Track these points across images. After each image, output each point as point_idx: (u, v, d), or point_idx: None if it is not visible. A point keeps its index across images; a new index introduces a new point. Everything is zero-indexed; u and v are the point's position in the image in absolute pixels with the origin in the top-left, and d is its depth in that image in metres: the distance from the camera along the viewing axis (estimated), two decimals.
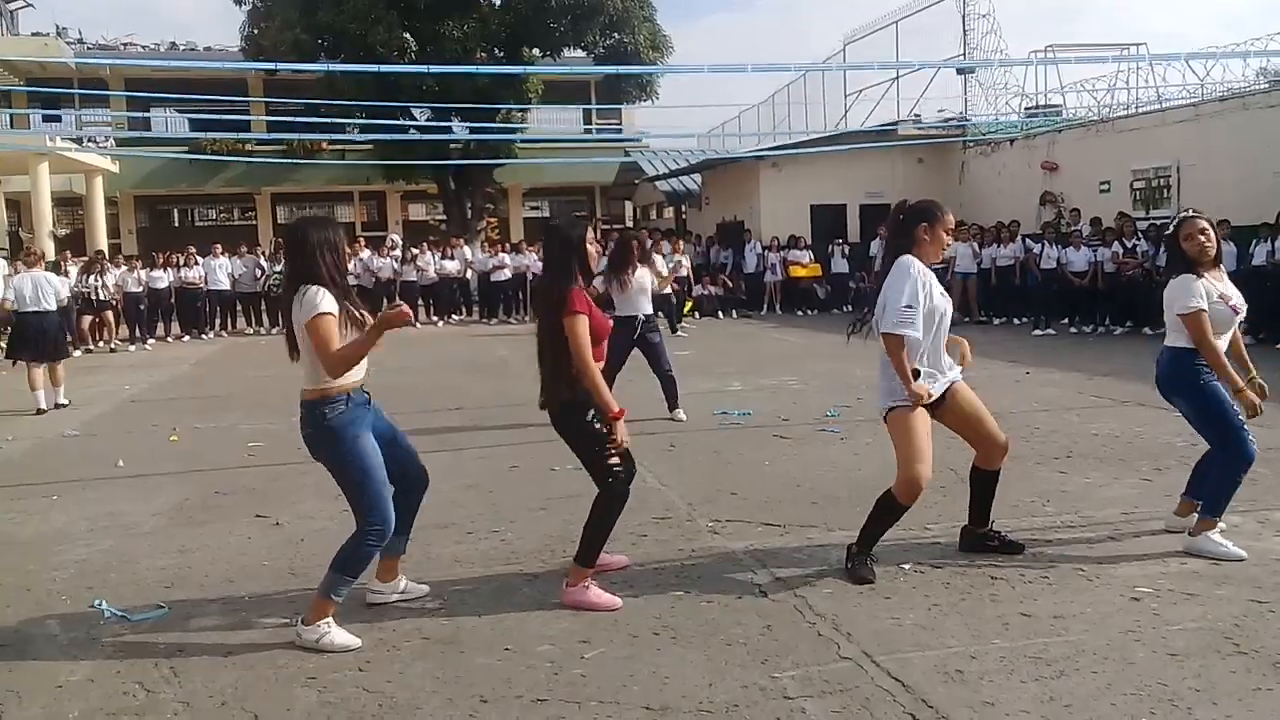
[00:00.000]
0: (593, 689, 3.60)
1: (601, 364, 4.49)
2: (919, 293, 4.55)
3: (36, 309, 10.86)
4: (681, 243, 21.56)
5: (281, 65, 22.42)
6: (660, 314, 17.96)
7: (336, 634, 4.02)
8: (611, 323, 4.79)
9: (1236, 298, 4.89)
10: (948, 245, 4.84)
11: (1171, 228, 5.02)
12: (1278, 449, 6.88)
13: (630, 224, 36.19)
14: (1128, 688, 3.46)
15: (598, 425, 4.35)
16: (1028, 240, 18.11)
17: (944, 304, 4.72)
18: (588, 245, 4.48)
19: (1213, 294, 4.80)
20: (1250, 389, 4.80)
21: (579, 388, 4.35)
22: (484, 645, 4.02)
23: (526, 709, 3.47)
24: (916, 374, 4.57)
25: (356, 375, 4.10)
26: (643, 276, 8.84)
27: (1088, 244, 16.58)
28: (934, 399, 4.62)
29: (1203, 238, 4.82)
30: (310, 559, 5.17)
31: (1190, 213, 4.98)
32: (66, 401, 11.03)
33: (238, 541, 5.61)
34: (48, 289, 10.99)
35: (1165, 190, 17.15)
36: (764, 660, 3.80)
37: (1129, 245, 15.89)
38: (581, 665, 3.80)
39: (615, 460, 4.40)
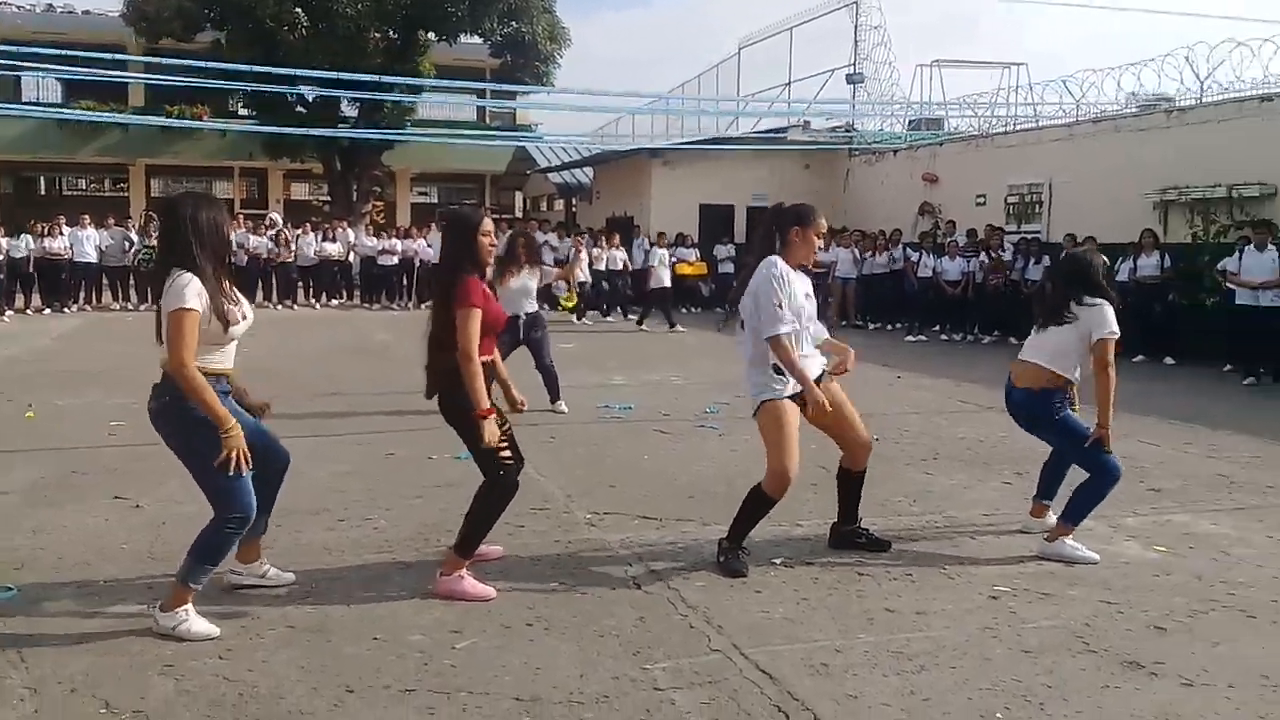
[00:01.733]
0: (463, 679, 3.57)
1: (488, 357, 4.44)
2: (781, 291, 4.66)
3: None
4: (618, 237, 21.19)
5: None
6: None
7: (195, 621, 3.89)
8: (506, 316, 4.73)
9: None
10: (817, 249, 4.92)
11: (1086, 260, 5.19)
12: (1129, 458, 7.22)
13: (520, 215, 35.94)
14: (984, 683, 3.58)
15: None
16: (907, 249, 18.62)
17: (808, 305, 4.82)
18: (482, 236, 4.43)
19: None
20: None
21: (447, 381, 4.32)
22: (352, 634, 3.95)
23: (394, 699, 3.42)
24: (779, 370, 4.68)
25: (224, 363, 3.96)
26: (526, 277, 8.72)
27: (963, 254, 17.13)
28: (796, 396, 4.70)
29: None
30: (172, 543, 4.97)
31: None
32: None
33: (95, 523, 5.39)
34: None
35: (1038, 206, 17.80)
36: (636, 651, 3.82)
37: (994, 256, 16.54)
38: (452, 655, 3.77)
39: (506, 452, 4.37)
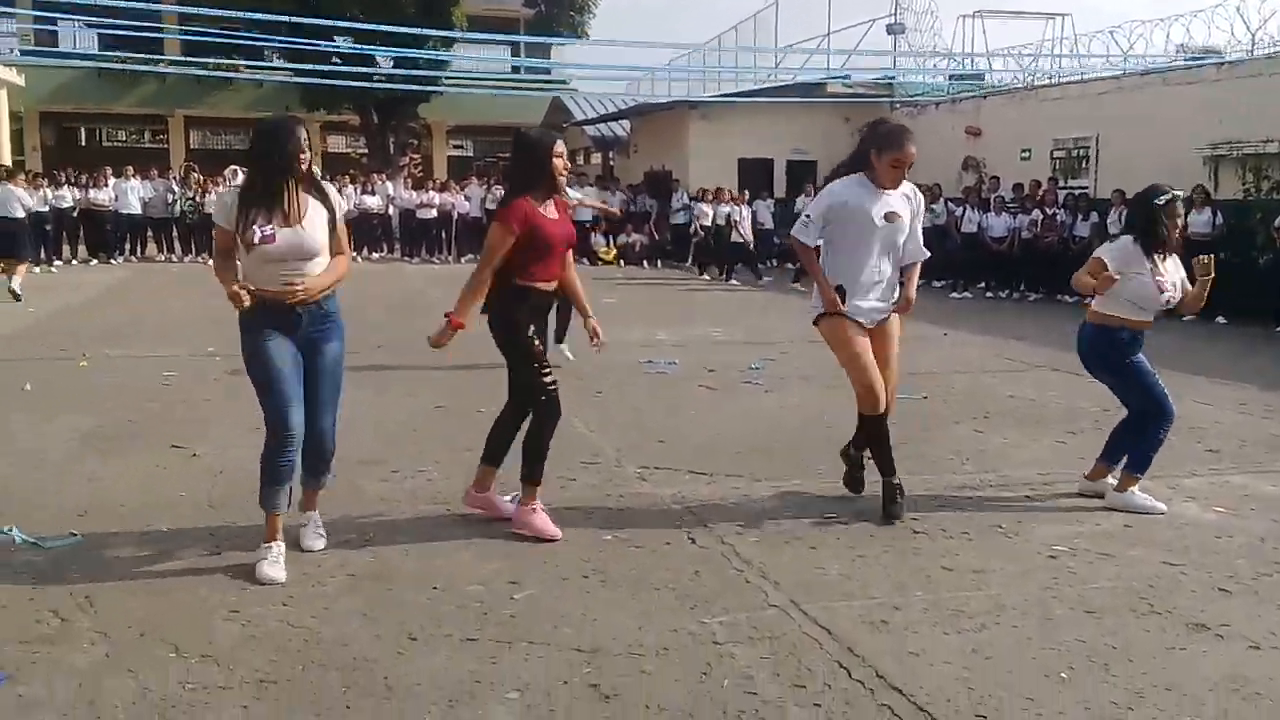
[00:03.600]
0: (523, 629, 3.59)
1: (551, 283, 4.51)
2: (823, 209, 4.80)
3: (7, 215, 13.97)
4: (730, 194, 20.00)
5: None
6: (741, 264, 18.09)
7: (266, 565, 3.95)
8: (574, 234, 4.73)
9: (1180, 286, 5.06)
10: (897, 178, 4.81)
11: (1161, 200, 4.99)
12: (1184, 418, 7.12)
13: None
14: (1047, 643, 3.56)
15: (528, 337, 4.44)
16: (949, 204, 18.37)
17: (886, 227, 4.77)
18: (555, 158, 4.43)
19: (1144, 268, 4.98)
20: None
21: (498, 300, 4.42)
22: (412, 583, 3.98)
23: (457, 648, 3.44)
24: (841, 291, 4.79)
25: (263, 283, 3.97)
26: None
27: (1008, 210, 16.88)
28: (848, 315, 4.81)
29: (1178, 220, 5.03)
30: (229, 490, 5.05)
31: (1178, 193, 5.05)
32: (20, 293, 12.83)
33: (154, 471, 5.45)
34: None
35: (1084, 161, 17.49)
36: (693, 606, 3.82)
37: (1048, 213, 16.19)
38: (511, 606, 3.78)
39: (546, 377, 4.46)
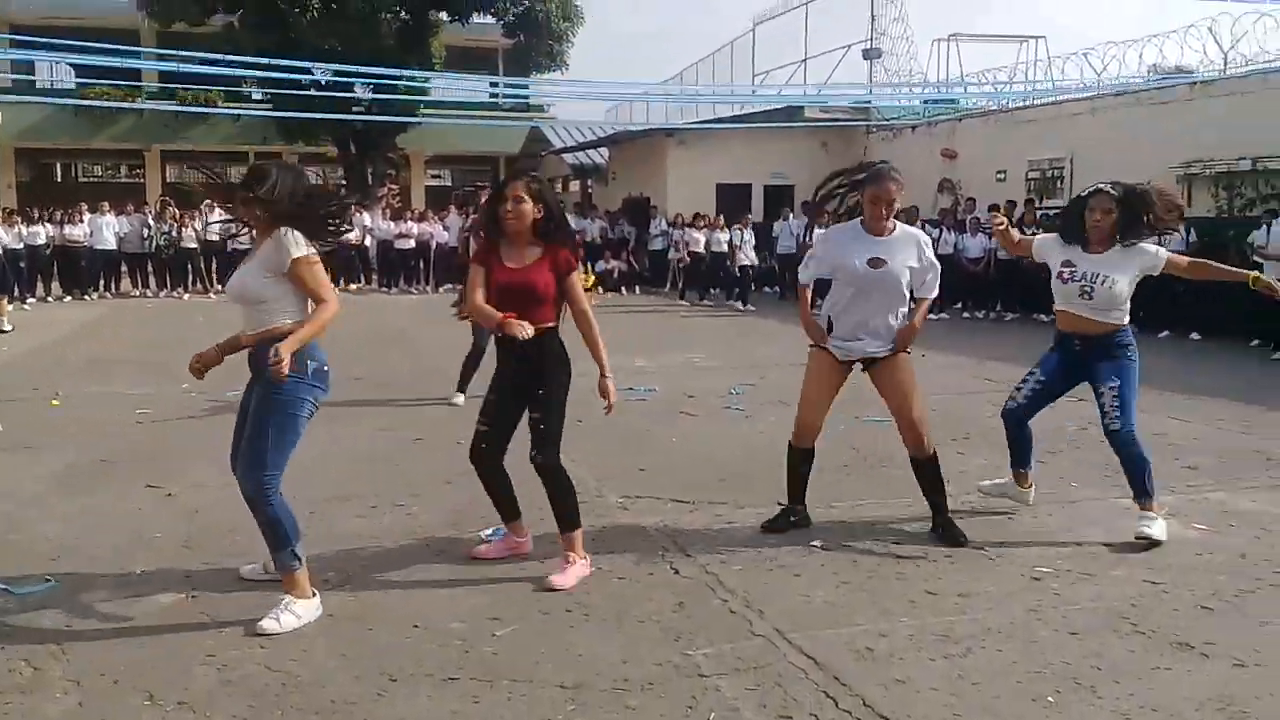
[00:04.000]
0: (505, 667, 3.54)
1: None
2: (816, 253, 5.08)
3: None
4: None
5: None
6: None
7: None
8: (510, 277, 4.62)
9: (1099, 279, 4.98)
10: (878, 215, 4.87)
11: (1085, 193, 5.09)
12: (1162, 435, 7.15)
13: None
14: (1032, 666, 3.54)
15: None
16: (926, 225, 18.45)
17: (868, 271, 4.83)
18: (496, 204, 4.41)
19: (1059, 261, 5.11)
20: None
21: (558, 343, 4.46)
22: (391, 622, 3.93)
23: (437, 688, 3.40)
24: (828, 323, 4.97)
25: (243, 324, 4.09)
26: None
27: (984, 230, 16.97)
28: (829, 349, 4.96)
29: (1103, 216, 4.96)
30: (205, 531, 4.99)
31: (1106, 188, 5.02)
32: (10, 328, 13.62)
33: (128, 512, 5.38)
34: None
35: (1059, 181, 17.64)
36: (677, 637, 3.79)
37: (1028, 233, 16.23)
38: (493, 643, 3.74)
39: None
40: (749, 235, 19.04)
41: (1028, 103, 19.46)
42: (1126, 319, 4.98)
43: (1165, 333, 13.37)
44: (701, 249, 19.72)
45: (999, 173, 18.94)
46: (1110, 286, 4.92)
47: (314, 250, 3.95)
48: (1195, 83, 15.58)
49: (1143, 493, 4.92)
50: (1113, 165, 15.95)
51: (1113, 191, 4.96)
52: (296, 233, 3.91)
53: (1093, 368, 4.97)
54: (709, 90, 26.58)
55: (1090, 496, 5.67)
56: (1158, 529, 4.81)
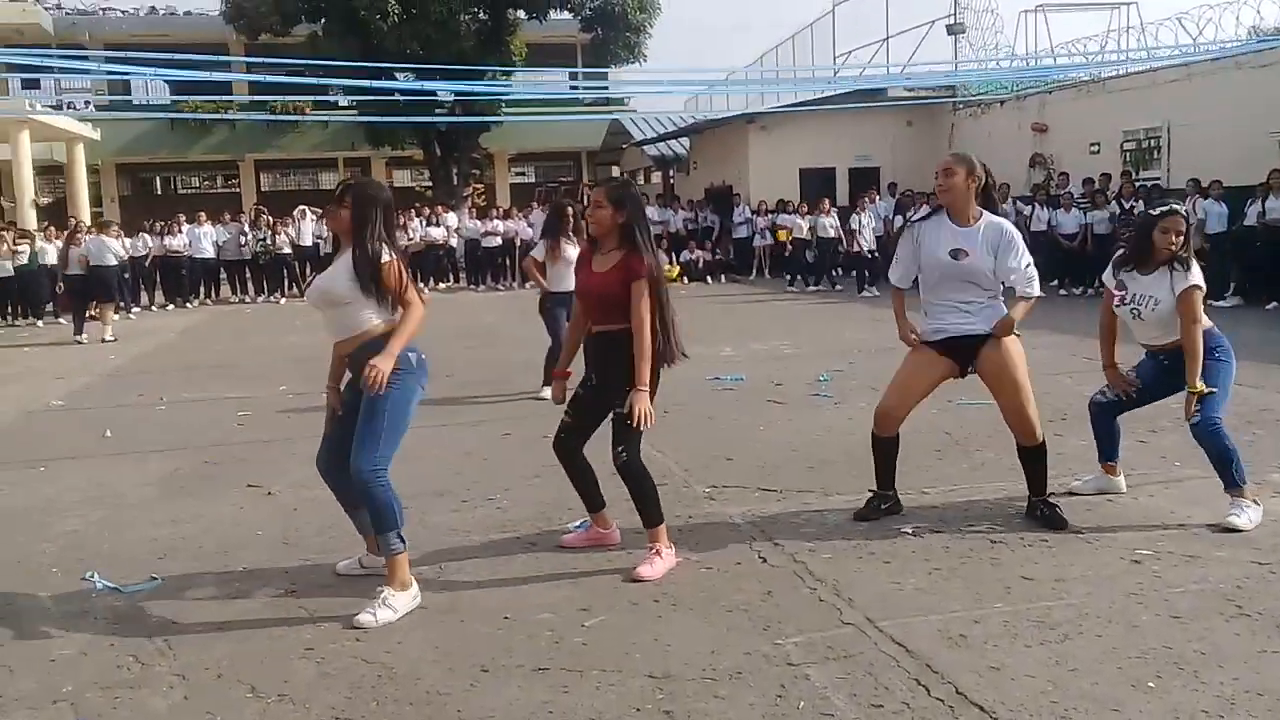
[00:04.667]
0: (594, 658, 3.57)
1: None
2: (904, 249, 4.99)
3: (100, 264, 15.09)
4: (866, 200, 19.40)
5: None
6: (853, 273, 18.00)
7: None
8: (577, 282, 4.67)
9: (1140, 297, 4.89)
10: (941, 192, 4.86)
11: (1156, 213, 4.94)
12: (1271, 410, 6.89)
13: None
14: (1133, 651, 3.44)
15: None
16: (1018, 203, 18.04)
17: (938, 265, 4.79)
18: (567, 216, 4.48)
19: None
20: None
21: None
22: (483, 614, 3.98)
23: (528, 678, 3.43)
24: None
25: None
26: (571, 249, 8.00)
27: (1078, 206, 16.54)
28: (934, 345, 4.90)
29: (1176, 238, 4.79)
30: (304, 528, 5.13)
31: (1181, 209, 4.91)
32: (113, 338, 14.29)
33: (230, 512, 5.55)
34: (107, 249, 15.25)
35: (1155, 151, 17.09)
36: (766, 627, 3.77)
37: (1127, 206, 15.80)
38: (582, 634, 3.77)
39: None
40: (869, 219, 18.36)
41: (1120, 72, 18.85)
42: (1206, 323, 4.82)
43: (1273, 304, 12.86)
44: (806, 234, 19.24)
45: (1092, 145, 18.41)
46: (1154, 308, 4.84)
47: (394, 255, 4.05)
48: None
49: (1231, 483, 4.74)
50: (1211, 134, 15.53)
51: (1184, 212, 4.89)
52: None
53: (1181, 373, 4.79)
54: (790, 74, 26.34)
55: (1194, 475, 5.47)
56: (1245, 519, 4.61)
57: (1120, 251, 5.12)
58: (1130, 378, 5.10)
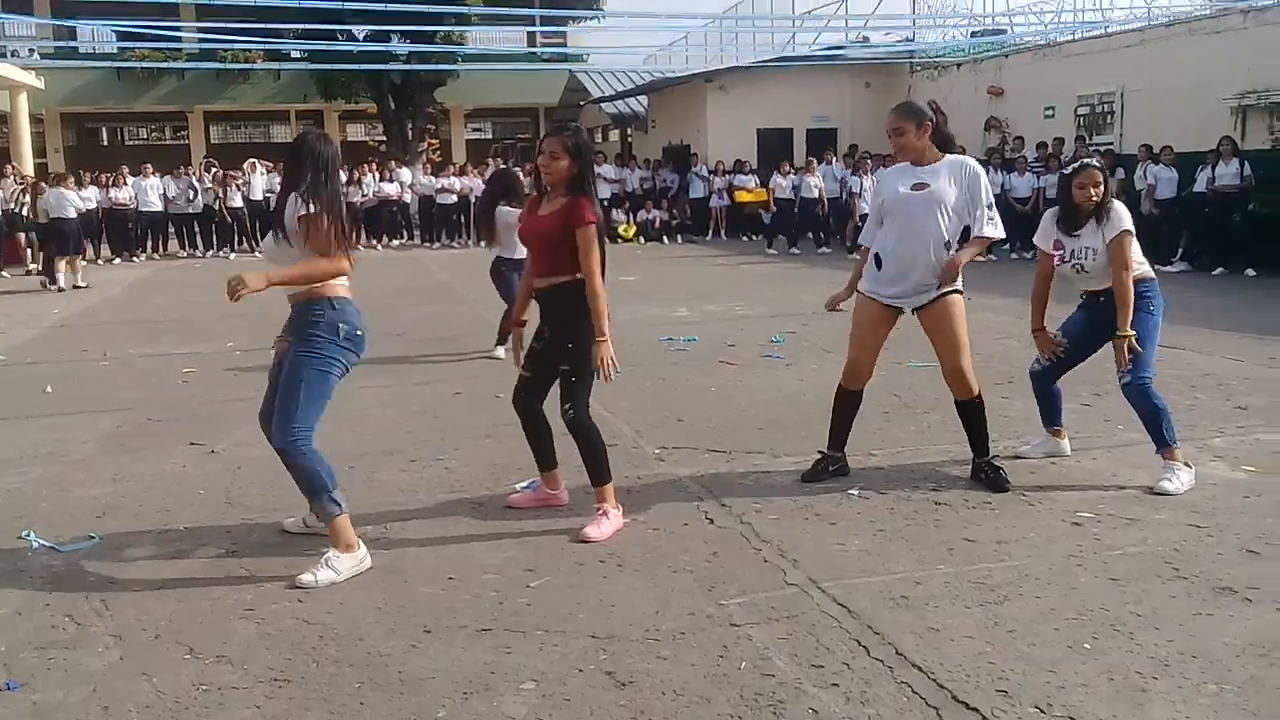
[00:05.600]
0: (538, 618, 3.56)
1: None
2: (876, 201, 5.07)
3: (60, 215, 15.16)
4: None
5: None
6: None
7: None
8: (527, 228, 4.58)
9: (1077, 252, 4.94)
10: (895, 147, 4.93)
11: (1068, 171, 5.00)
12: (1213, 375, 7.00)
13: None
14: (1070, 612, 3.49)
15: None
16: None
17: (900, 201, 4.82)
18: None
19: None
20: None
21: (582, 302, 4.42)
22: (427, 574, 3.96)
23: (471, 639, 3.42)
24: (877, 260, 4.95)
25: None
26: (509, 214, 7.76)
27: (1032, 169, 16.65)
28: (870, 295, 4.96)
29: (1095, 189, 4.84)
30: (247, 487, 5.07)
31: (1093, 162, 4.97)
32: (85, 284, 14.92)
33: (173, 470, 5.47)
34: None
35: (1109, 116, 17.21)
36: (710, 587, 3.78)
37: None
38: (527, 594, 3.76)
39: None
40: (869, 182, 17.39)
41: (1076, 35, 18.92)
42: (1142, 270, 4.88)
43: (1219, 269, 13.06)
44: (790, 194, 19.00)
45: (1047, 109, 18.52)
46: (1094, 259, 4.88)
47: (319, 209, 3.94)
48: (1251, 9, 15.04)
49: (1161, 442, 4.80)
50: (1164, 99, 15.66)
51: (1098, 164, 4.94)
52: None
53: (1111, 321, 4.84)
54: (749, 35, 26.17)
55: (1136, 440, 5.51)
56: (1176, 483, 4.68)
57: (1047, 212, 5.18)
58: (1057, 338, 5.14)
